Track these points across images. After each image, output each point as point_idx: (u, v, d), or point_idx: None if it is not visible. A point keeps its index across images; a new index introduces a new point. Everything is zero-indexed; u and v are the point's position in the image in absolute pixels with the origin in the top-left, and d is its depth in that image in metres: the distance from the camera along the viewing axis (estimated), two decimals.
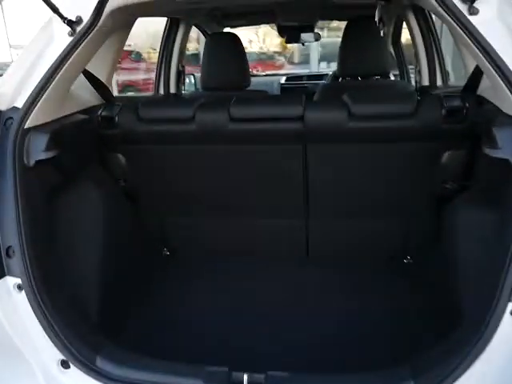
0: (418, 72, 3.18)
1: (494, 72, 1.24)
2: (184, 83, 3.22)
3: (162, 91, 3.09)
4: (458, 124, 1.72)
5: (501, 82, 1.23)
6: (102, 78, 2.01)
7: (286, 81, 4.75)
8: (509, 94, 1.22)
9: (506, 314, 1.16)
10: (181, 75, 3.15)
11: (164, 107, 1.92)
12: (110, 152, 2.03)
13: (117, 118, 1.90)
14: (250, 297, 1.96)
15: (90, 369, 1.33)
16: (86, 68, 1.83)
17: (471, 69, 1.86)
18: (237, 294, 1.99)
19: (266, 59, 13.32)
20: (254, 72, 5.99)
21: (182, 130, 1.87)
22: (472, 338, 1.21)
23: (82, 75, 1.86)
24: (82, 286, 1.75)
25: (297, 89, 4.42)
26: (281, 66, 9.88)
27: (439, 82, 2.84)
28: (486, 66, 1.27)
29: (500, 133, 1.24)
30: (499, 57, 1.22)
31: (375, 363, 1.42)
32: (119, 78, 10.09)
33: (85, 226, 1.84)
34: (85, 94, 1.94)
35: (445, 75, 3.04)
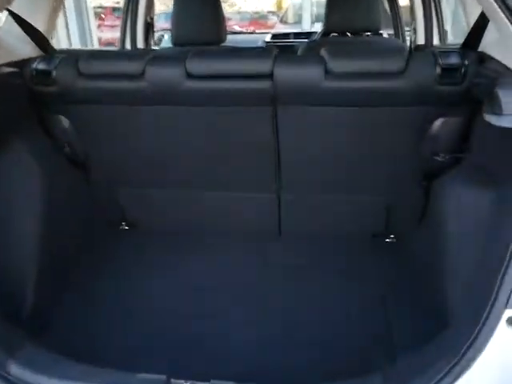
0: (414, 30, 2.88)
1: (502, 16, 0.97)
2: (153, 37, 2.89)
3: (128, 47, 2.78)
4: (454, 85, 1.45)
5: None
6: (41, 27, 1.71)
7: (271, 39, 4.39)
8: None
9: (502, 323, 0.94)
10: (150, 28, 2.82)
11: (109, 60, 1.62)
12: (49, 113, 1.74)
13: (54, 73, 1.60)
14: (210, 281, 1.74)
15: None
16: (23, 17, 1.59)
17: (472, 22, 1.57)
18: (196, 277, 1.77)
19: (259, 18, 12.76)
20: (244, 30, 5.61)
21: (130, 88, 1.59)
22: (459, 346, 1.00)
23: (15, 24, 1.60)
24: (13, 273, 1.52)
25: (283, 47, 4.07)
26: (273, 26, 9.39)
27: (436, 41, 2.55)
28: (494, 8, 0.99)
29: (506, 95, 0.98)
30: None
31: (342, 369, 1.22)
32: (102, 35, 9.60)
33: (18, 200, 1.59)
34: (18, 44, 1.64)
35: (443, 34, 2.73)
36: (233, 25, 8.34)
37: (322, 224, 1.93)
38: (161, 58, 1.62)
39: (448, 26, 2.70)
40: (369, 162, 1.72)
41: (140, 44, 2.80)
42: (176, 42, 2.34)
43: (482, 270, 1.08)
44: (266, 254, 1.90)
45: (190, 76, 1.54)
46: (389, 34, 3.64)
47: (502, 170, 1.36)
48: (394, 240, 1.94)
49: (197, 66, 1.54)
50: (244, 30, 5.93)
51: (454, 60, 1.45)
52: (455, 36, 2.88)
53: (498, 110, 0.97)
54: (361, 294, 1.63)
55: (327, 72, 1.49)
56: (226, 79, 1.54)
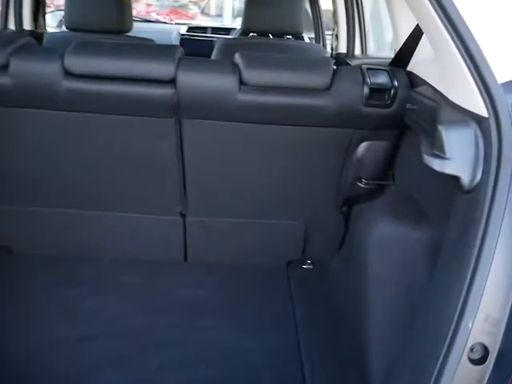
0: (335, 36, 2.76)
1: (446, 35, 0.80)
2: (44, 17, 2.45)
3: (12, 27, 2.33)
4: (382, 107, 1.29)
5: (455, 52, 0.79)
6: None
7: (187, 31, 4.07)
8: (465, 69, 0.79)
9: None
10: (40, 6, 2.38)
11: None
12: None
13: None
14: (96, 320, 1.43)
15: None
16: None
17: (401, 37, 1.44)
18: (80, 313, 1.45)
19: (180, 7, 12.24)
20: (160, 19, 5.19)
21: None
22: None
23: None
24: None
25: (200, 42, 3.78)
26: (194, 16, 8.99)
27: (357, 51, 2.43)
28: (432, 19, 0.82)
29: (449, 135, 0.81)
30: (458, 14, 0.78)
31: None
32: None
33: None
34: None
35: (365, 44, 2.64)
36: (151, 11, 7.83)
37: (233, 250, 1.71)
38: (33, 47, 1.28)
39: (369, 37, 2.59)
40: (286, 184, 1.53)
41: (27, 25, 2.36)
42: (68, 25, 1.99)
43: (417, 310, 0.93)
44: (162, 284, 1.62)
45: (68, 74, 1.22)
46: (309, 38, 3.51)
47: (429, 205, 1.23)
48: (311, 266, 1.78)
49: (78, 61, 1.23)
50: (161, 18, 5.50)
51: (382, 80, 1.30)
52: (376, 48, 2.80)
53: (441, 153, 0.80)
54: (269, 336, 1.43)
55: (242, 83, 1.27)
56: (116, 82, 1.25)
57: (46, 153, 1.41)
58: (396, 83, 1.28)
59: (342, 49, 2.49)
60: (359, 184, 1.48)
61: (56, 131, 1.35)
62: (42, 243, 1.69)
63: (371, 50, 2.70)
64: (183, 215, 1.62)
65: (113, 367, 1.27)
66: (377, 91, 1.28)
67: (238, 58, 1.30)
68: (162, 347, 1.35)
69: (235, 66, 1.30)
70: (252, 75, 1.26)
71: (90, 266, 1.66)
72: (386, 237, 1.28)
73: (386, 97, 1.29)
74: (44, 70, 1.22)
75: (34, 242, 1.70)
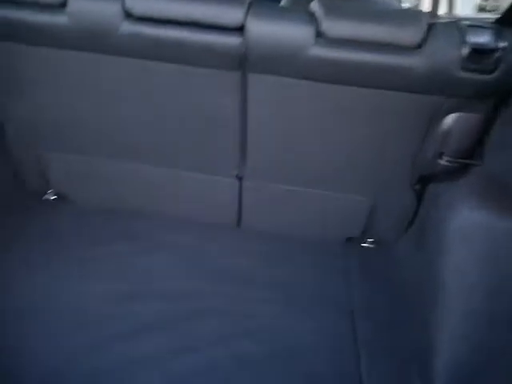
0: None
1: None
2: None
3: None
4: (482, 73, 1.10)
5: None
6: None
7: None
8: None
9: None
10: None
11: None
12: None
13: None
14: (146, 279, 1.39)
15: None
16: None
17: None
18: (131, 270, 1.41)
19: None
20: None
21: (47, 23, 1.15)
22: None
23: None
24: None
25: None
26: None
27: (443, 10, 2.17)
28: None
29: None
30: None
31: None
32: None
33: None
34: None
35: (452, 2, 2.36)
36: None
37: (289, 220, 1.60)
38: None
39: None
40: (355, 153, 1.38)
41: None
42: None
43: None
44: (214, 248, 1.55)
45: (128, 15, 1.12)
46: None
47: None
48: (372, 245, 1.64)
49: (139, 2, 1.11)
50: None
51: (486, 39, 1.09)
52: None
53: None
54: (323, 317, 1.32)
55: (319, 35, 1.11)
56: (178, 26, 1.13)
57: (101, 100, 1.34)
58: (503, 44, 1.08)
59: (423, 7, 2.23)
60: (440, 161, 1.30)
61: (113, 78, 1.26)
62: (99, 195, 1.66)
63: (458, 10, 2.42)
64: (240, 178, 1.52)
65: (157, 330, 1.22)
66: (478, 53, 1.09)
67: (315, 5, 1.14)
68: (208, 315, 1.28)
69: (311, 15, 1.14)
70: (331, 26, 1.10)
71: (144, 222, 1.61)
72: (470, 224, 1.11)
73: (489, 60, 1.09)
74: (103, 10, 1.13)
75: (90, 193, 1.67)
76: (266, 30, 1.12)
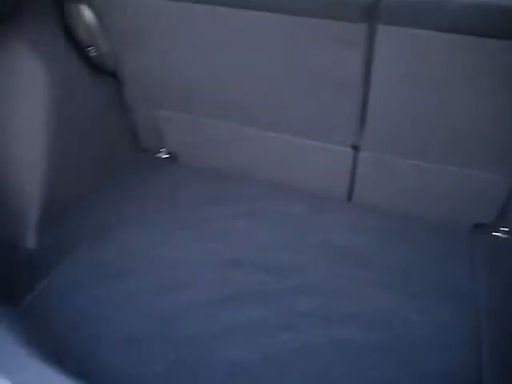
0: None
1: None
2: None
3: None
4: None
5: None
6: None
7: None
8: None
9: None
10: None
11: None
12: (70, 3, 1.32)
13: None
14: (249, 247, 1.34)
15: None
16: None
17: None
18: (232, 234, 1.38)
19: None
20: None
21: None
22: None
23: None
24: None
25: None
26: None
27: None
28: None
29: None
30: None
31: None
32: None
33: (22, 117, 1.25)
34: None
35: None
36: None
37: (407, 198, 1.42)
38: None
39: None
40: (497, 126, 1.15)
41: None
42: None
43: None
44: (321, 222, 1.44)
45: None
46: None
47: None
48: (506, 236, 1.40)
49: None
50: None
51: None
52: None
53: None
54: (443, 311, 1.15)
55: None
56: None
57: (212, 60, 1.28)
58: None
59: None
60: None
61: (240, 33, 1.19)
62: (208, 156, 1.64)
63: None
64: (356, 148, 1.38)
65: (257, 301, 1.17)
66: None
67: None
68: (312, 292, 1.20)
69: None
70: None
71: (250, 187, 1.56)
72: None
73: None
74: None
75: (200, 154, 1.66)
76: None
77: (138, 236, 1.36)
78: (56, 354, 0.87)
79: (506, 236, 1.40)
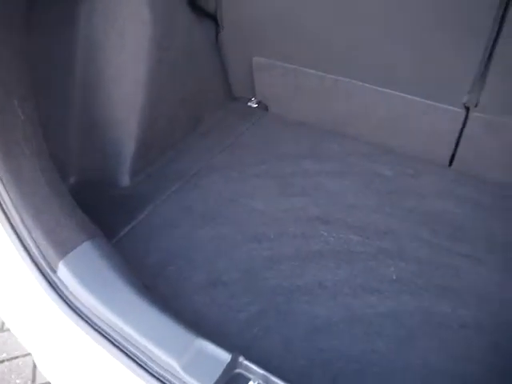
0: None
1: None
2: None
3: None
4: None
5: None
6: None
7: None
8: None
9: None
10: None
11: None
12: None
13: None
14: (336, 205, 1.29)
15: (46, 279, 0.88)
16: None
17: None
18: (320, 191, 1.33)
19: None
20: None
21: None
22: None
23: None
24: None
25: None
26: None
27: None
28: None
29: None
30: None
31: None
32: None
33: (127, 51, 1.27)
34: None
35: None
36: None
37: None
38: None
39: None
40: None
41: None
42: None
43: None
44: (417, 186, 1.34)
45: None
46: None
47: None
48: None
49: None
50: None
51: None
52: None
53: None
54: None
55: None
56: None
57: (318, 3, 1.20)
58: None
59: None
60: None
61: None
62: (299, 108, 1.59)
63: None
64: (468, 108, 1.24)
65: (340, 261, 1.13)
66: None
67: None
68: (402, 259, 1.14)
69: None
70: None
71: (341, 143, 1.50)
72: None
73: None
74: None
75: (289, 105, 1.61)
76: None
77: (228, 184, 1.36)
78: (146, 288, 0.91)
79: None
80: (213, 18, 1.50)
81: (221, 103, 1.67)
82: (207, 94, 1.60)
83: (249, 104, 1.72)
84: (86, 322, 0.83)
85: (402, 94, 1.32)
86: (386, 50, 1.24)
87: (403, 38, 1.19)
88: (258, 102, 1.71)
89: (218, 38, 1.56)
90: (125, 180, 1.37)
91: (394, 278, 1.09)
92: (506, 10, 0.99)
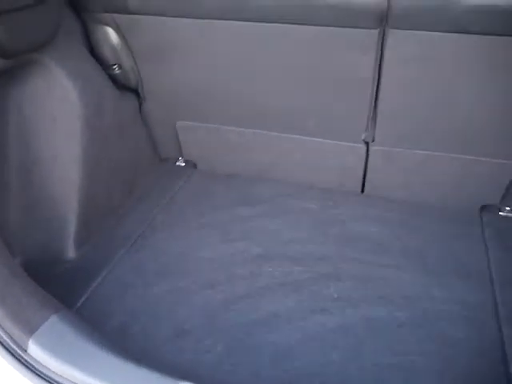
0: None
1: None
2: None
3: None
4: None
5: None
6: None
7: None
8: None
9: None
10: None
11: None
12: (95, 24, 1.42)
13: None
14: (275, 242, 1.44)
15: (17, 360, 0.90)
16: None
17: None
18: (258, 232, 1.47)
19: None
20: None
21: None
22: None
23: None
24: (53, 213, 1.33)
25: None
26: None
27: None
28: None
29: None
30: None
31: None
32: None
33: (54, 136, 1.35)
34: None
35: None
36: None
37: (418, 187, 1.54)
38: None
39: None
40: (500, 114, 1.27)
41: None
42: None
43: None
44: (339, 214, 1.54)
45: None
46: None
47: None
48: (511, 214, 1.52)
49: None
50: None
51: None
52: None
53: None
54: (461, 287, 1.26)
55: None
56: None
57: (230, 70, 1.39)
58: None
59: None
60: None
61: (239, 43, 1.30)
62: (224, 161, 1.75)
63: None
64: (367, 143, 1.49)
65: (290, 290, 1.27)
66: None
67: None
68: (338, 279, 1.30)
69: None
70: None
71: (268, 187, 1.67)
72: None
73: None
74: None
75: (216, 160, 1.76)
76: None
77: (173, 240, 1.46)
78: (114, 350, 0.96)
79: (510, 215, 1.52)
80: (135, 92, 1.64)
81: (151, 166, 1.78)
82: (138, 159, 1.70)
83: (177, 164, 1.84)
84: None
85: (313, 139, 1.54)
86: (294, 105, 1.45)
87: (307, 95, 1.41)
88: (186, 161, 1.84)
89: (141, 109, 1.69)
90: (71, 253, 1.40)
91: (336, 296, 1.25)
92: (380, 67, 1.24)
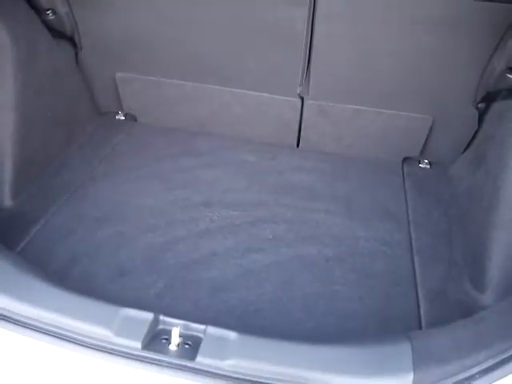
0: None
1: None
2: None
3: None
4: None
5: None
6: None
7: None
8: None
9: None
10: None
11: None
12: None
13: None
14: (215, 190, 1.50)
15: None
16: None
17: None
18: (199, 181, 1.53)
19: None
20: None
21: None
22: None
23: None
24: None
25: None
26: None
27: None
28: None
29: None
30: None
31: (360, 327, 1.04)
32: None
33: None
34: None
35: None
36: None
37: (348, 140, 1.65)
38: None
39: None
40: (421, 69, 1.39)
41: None
42: None
43: None
44: (275, 166, 1.63)
45: None
46: None
47: None
48: (428, 166, 1.68)
49: None
50: None
51: None
52: None
53: None
54: (381, 227, 1.40)
55: None
56: None
57: (169, 18, 1.41)
58: None
59: None
60: (509, 75, 1.30)
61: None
62: (164, 115, 1.76)
63: None
64: (302, 98, 1.57)
65: (226, 233, 1.35)
66: None
67: None
68: (274, 222, 1.40)
69: None
70: None
71: (207, 140, 1.72)
72: None
73: None
74: None
75: (156, 113, 1.78)
76: None
77: (115, 189, 1.48)
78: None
79: (428, 167, 1.68)
80: (71, 41, 1.60)
81: (90, 118, 1.76)
82: (76, 110, 1.68)
83: (117, 117, 1.84)
84: (16, 324, 0.89)
85: (251, 92, 1.60)
86: (234, 58, 1.50)
87: (244, 44, 1.45)
88: (126, 115, 1.84)
89: (77, 59, 1.66)
90: (6, 201, 1.38)
91: (271, 237, 1.34)
92: (313, 22, 1.31)
